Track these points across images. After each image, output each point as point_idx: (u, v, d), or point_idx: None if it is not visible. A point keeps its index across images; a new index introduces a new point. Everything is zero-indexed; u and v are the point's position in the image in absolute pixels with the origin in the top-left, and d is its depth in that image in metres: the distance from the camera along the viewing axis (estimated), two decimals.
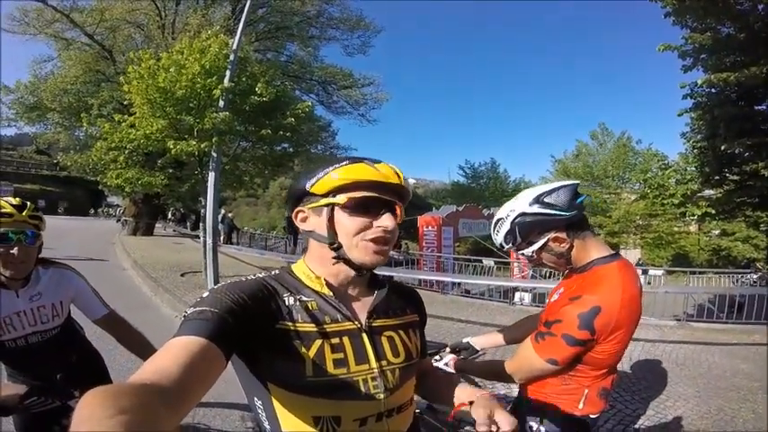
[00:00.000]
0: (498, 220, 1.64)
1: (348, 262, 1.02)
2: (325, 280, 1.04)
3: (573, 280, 1.58)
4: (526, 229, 1.55)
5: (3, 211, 1.74)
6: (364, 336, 1.02)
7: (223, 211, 18.84)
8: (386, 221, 1.00)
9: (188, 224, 29.74)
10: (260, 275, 1.03)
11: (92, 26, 18.43)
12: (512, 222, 1.57)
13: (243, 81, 9.85)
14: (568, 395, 1.56)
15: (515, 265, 13.56)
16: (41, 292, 1.92)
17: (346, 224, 0.99)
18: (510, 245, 1.62)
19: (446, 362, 1.99)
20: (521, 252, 1.64)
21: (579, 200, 1.54)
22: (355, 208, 0.99)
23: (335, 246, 1.01)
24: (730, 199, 12.44)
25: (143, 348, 2.03)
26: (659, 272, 16.73)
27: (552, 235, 1.53)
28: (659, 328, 7.75)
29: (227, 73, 8.87)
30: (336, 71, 23.52)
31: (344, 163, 1.01)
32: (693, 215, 19.19)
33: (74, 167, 18.23)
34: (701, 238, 29.07)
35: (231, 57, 8.98)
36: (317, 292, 1.03)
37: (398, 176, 1.03)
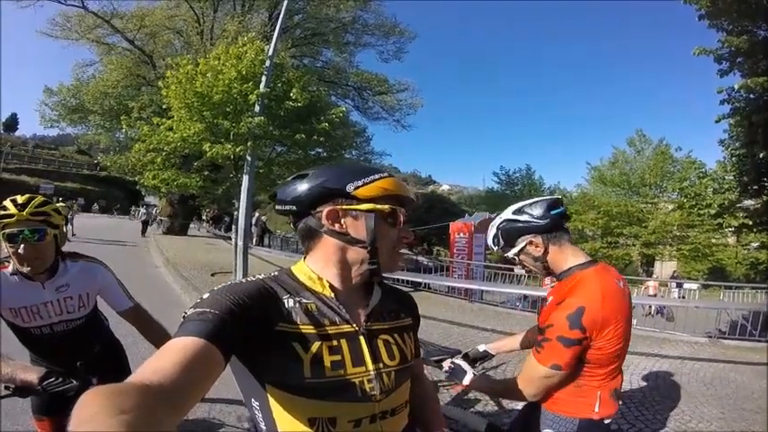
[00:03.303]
0: (491, 226, 1.88)
1: (377, 267, 1.06)
2: (327, 281, 1.05)
3: (557, 287, 1.74)
4: (507, 233, 1.79)
5: (3, 213, 1.77)
6: (362, 338, 1.03)
7: (257, 214, 19.18)
8: (410, 234, 1.10)
9: (222, 226, 30.27)
10: (260, 277, 1.04)
11: (132, 32, 19.15)
12: (497, 227, 1.83)
13: (278, 86, 10.00)
14: (582, 398, 1.64)
15: None
16: (69, 284, 1.99)
17: (387, 232, 1.04)
18: (497, 247, 1.87)
19: (465, 380, 1.93)
20: (505, 255, 1.85)
21: (555, 211, 1.73)
22: (393, 218, 1.05)
23: (372, 250, 1.04)
24: None
25: (164, 342, 2.09)
26: (695, 285, 16.20)
27: (529, 239, 1.74)
28: (690, 344, 7.46)
29: (263, 78, 9.04)
30: (371, 77, 23.77)
31: (385, 174, 1.06)
32: (730, 226, 18.50)
33: (113, 168, 18.94)
34: (739, 251, 27.93)
35: (267, 62, 9.12)
36: (316, 294, 1.03)
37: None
